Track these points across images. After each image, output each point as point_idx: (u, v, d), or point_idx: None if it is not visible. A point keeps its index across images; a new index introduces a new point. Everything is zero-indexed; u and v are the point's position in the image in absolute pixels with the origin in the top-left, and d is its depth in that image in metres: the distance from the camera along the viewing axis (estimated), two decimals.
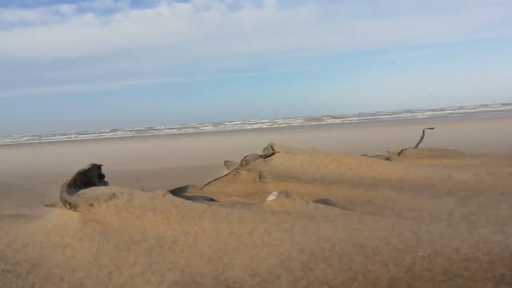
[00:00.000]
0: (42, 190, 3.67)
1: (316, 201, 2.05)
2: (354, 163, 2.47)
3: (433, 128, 3.74)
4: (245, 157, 2.59)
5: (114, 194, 1.89)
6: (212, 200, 2.14)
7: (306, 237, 1.41)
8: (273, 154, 2.65)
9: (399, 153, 3.10)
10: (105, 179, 2.44)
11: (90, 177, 2.07)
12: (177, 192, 2.49)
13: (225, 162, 2.82)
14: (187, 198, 2.40)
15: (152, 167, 6.27)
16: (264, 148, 2.94)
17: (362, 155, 3.92)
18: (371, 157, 3.33)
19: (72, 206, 1.82)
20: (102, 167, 2.37)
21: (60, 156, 11.33)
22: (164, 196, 1.88)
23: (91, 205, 1.82)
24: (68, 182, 1.94)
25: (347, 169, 2.44)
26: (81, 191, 1.93)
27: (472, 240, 1.24)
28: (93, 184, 2.08)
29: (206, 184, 2.48)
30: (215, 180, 2.48)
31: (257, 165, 2.53)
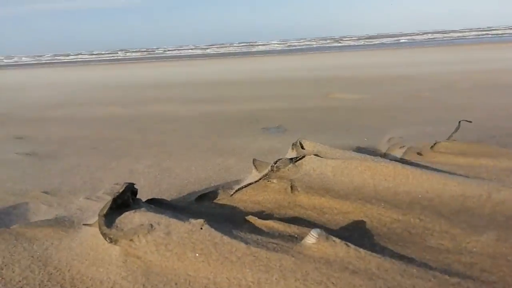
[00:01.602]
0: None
1: (353, 231, 2.05)
2: (389, 173, 2.40)
3: (470, 122, 3.55)
4: (275, 162, 2.53)
5: (151, 225, 1.90)
6: (245, 218, 2.14)
7: None
8: (303, 157, 2.58)
9: (431, 147, 2.99)
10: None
11: (125, 198, 2.07)
12: (207, 198, 2.49)
13: (254, 160, 2.77)
14: (218, 207, 2.42)
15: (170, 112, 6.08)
16: (293, 144, 2.86)
17: (390, 138, 3.80)
18: (401, 147, 3.23)
19: (113, 241, 1.85)
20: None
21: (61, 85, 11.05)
22: (201, 228, 1.89)
23: (131, 240, 1.84)
24: (105, 212, 1.94)
25: (382, 180, 2.38)
26: (119, 220, 1.94)
27: None
28: (128, 205, 2.08)
29: (236, 191, 2.46)
30: (245, 187, 2.46)
31: (288, 172, 2.48)
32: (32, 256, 2.01)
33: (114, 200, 2.00)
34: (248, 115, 6.14)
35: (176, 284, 1.67)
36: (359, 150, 3.48)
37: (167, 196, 2.72)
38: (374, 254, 1.70)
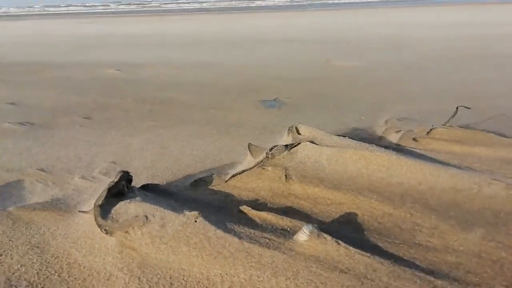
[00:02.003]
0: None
1: (344, 224, 2.09)
2: (383, 163, 2.41)
3: (469, 108, 3.50)
4: (270, 149, 2.52)
5: (146, 217, 1.93)
6: (239, 209, 2.17)
7: None
8: (298, 143, 2.57)
9: (427, 133, 2.97)
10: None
11: (120, 187, 2.08)
12: (202, 184, 2.51)
13: (249, 145, 2.76)
14: (212, 194, 2.44)
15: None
16: (289, 129, 2.83)
17: (387, 120, 3.77)
18: (397, 132, 3.22)
19: (108, 232, 1.88)
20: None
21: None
22: (196, 221, 1.92)
23: (126, 232, 1.87)
24: (100, 202, 1.96)
25: (375, 170, 2.39)
26: (114, 211, 1.97)
27: None
28: (123, 194, 2.10)
29: (231, 177, 2.48)
30: (240, 173, 2.47)
31: (283, 160, 2.48)
32: (30, 242, 2.05)
33: (109, 190, 2.01)
34: (244, 84, 6.04)
35: (170, 278, 1.72)
36: (355, 131, 3.47)
37: (162, 179, 2.74)
38: (363, 252, 1.74)
